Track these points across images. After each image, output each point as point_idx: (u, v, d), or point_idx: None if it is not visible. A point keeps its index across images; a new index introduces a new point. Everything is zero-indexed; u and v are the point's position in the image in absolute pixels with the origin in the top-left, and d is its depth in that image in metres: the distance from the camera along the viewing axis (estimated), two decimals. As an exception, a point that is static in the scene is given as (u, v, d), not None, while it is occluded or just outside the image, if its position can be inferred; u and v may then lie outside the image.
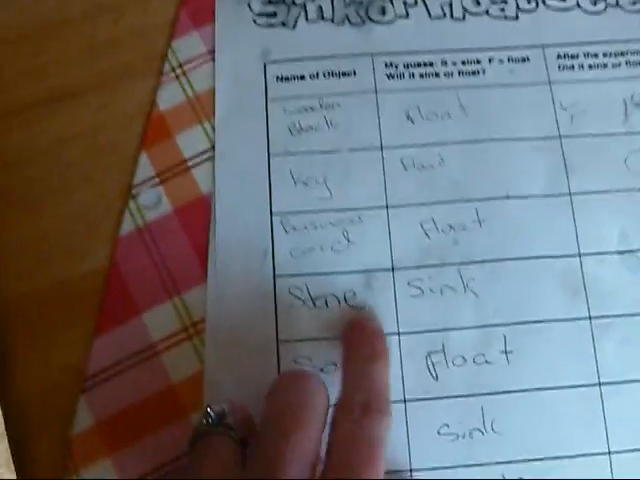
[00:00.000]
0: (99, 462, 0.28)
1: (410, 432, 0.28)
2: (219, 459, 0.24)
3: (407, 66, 0.33)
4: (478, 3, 0.33)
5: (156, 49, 0.33)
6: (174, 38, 0.33)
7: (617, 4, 0.34)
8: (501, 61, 0.33)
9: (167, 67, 0.32)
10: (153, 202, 0.31)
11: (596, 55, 0.33)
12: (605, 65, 0.33)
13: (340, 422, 0.25)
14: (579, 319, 0.30)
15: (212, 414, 0.25)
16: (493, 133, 0.32)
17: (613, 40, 0.33)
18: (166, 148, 0.32)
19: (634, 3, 0.34)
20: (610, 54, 0.33)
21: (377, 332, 0.29)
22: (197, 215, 0.31)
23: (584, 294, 0.30)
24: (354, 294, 0.30)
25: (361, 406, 0.25)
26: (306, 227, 0.30)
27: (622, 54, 0.33)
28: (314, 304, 0.30)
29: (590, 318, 0.30)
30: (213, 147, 0.31)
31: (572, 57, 0.33)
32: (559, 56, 0.33)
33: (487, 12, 0.33)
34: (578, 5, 0.34)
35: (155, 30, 0.33)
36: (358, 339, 0.28)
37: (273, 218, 0.31)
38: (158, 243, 0.30)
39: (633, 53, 0.33)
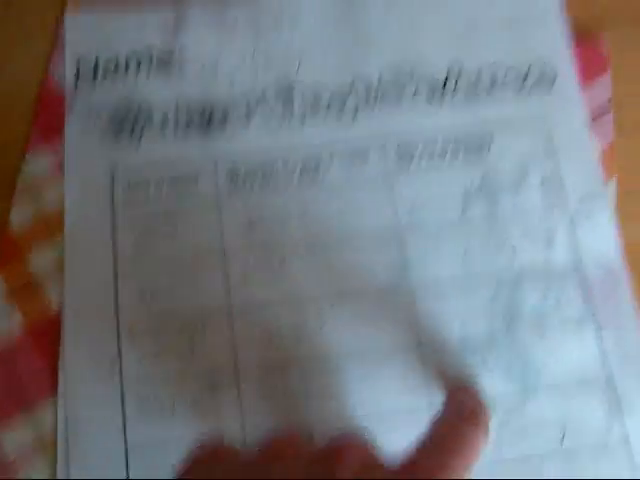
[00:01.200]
0: None
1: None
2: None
3: (248, 173, 0.33)
4: (317, 111, 0.34)
5: (7, 168, 0.34)
6: (26, 155, 0.34)
7: (454, 90, 0.34)
8: (341, 158, 0.34)
9: (19, 185, 0.33)
10: (5, 321, 0.32)
11: (435, 142, 0.34)
12: (444, 154, 0.33)
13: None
14: (420, 410, 0.30)
15: None
16: (332, 232, 0.32)
17: (451, 127, 0.34)
18: (19, 267, 0.32)
19: (475, 86, 0.34)
20: (448, 141, 0.34)
21: (482, 402, 0.27)
22: (49, 333, 0.32)
23: (426, 386, 0.31)
24: (199, 402, 0.31)
25: (440, 465, 0.23)
26: (152, 335, 0.31)
27: (458, 141, 0.34)
28: (163, 412, 0.31)
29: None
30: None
31: (411, 146, 0.34)
32: (399, 147, 0.33)
33: (325, 118, 0.34)
34: (415, 93, 0.34)
35: (5, 148, 0.34)
36: (462, 398, 0.28)
37: (120, 329, 0.31)
38: (9, 362, 0.31)
39: (470, 139, 0.34)
